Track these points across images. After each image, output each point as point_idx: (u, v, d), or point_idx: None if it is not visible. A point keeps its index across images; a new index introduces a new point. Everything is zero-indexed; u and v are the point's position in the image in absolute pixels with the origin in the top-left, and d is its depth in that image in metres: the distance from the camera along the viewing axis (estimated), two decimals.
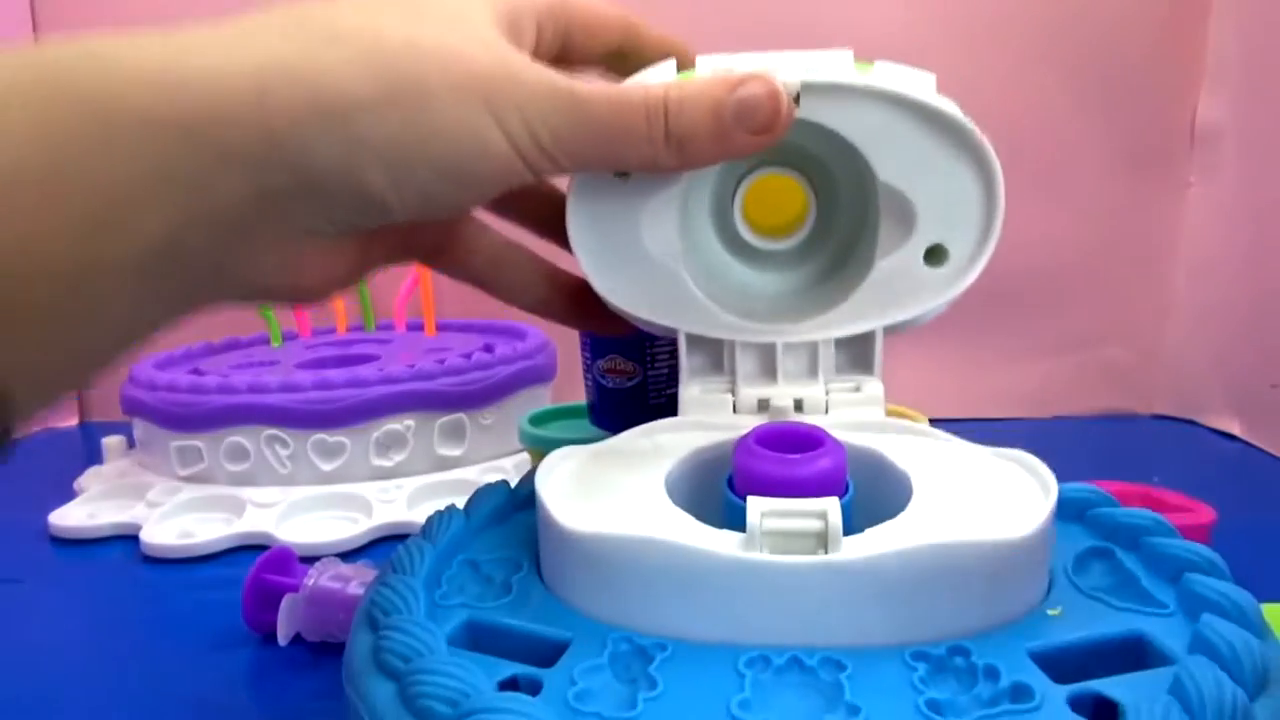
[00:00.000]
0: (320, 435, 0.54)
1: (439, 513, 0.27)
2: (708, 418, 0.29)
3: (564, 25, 0.27)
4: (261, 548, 0.43)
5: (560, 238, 0.31)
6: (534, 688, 0.20)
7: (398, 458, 0.56)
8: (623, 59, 0.29)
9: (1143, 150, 0.71)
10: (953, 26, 0.69)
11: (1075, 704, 0.19)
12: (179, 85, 0.20)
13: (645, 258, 0.29)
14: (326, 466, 0.54)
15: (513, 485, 0.29)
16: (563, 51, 0.28)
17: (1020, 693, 0.19)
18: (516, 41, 0.25)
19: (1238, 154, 0.67)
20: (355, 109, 0.21)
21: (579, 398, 0.50)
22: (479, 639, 0.22)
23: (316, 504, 0.53)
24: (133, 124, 0.19)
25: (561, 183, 0.30)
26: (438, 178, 0.23)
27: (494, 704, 0.18)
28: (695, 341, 0.30)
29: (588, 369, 0.47)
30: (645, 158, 0.25)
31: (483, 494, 0.28)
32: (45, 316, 0.19)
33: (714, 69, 0.27)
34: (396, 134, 0.22)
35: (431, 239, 0.29)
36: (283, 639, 0.37)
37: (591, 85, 0.24)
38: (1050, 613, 0.22)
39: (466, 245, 0.30)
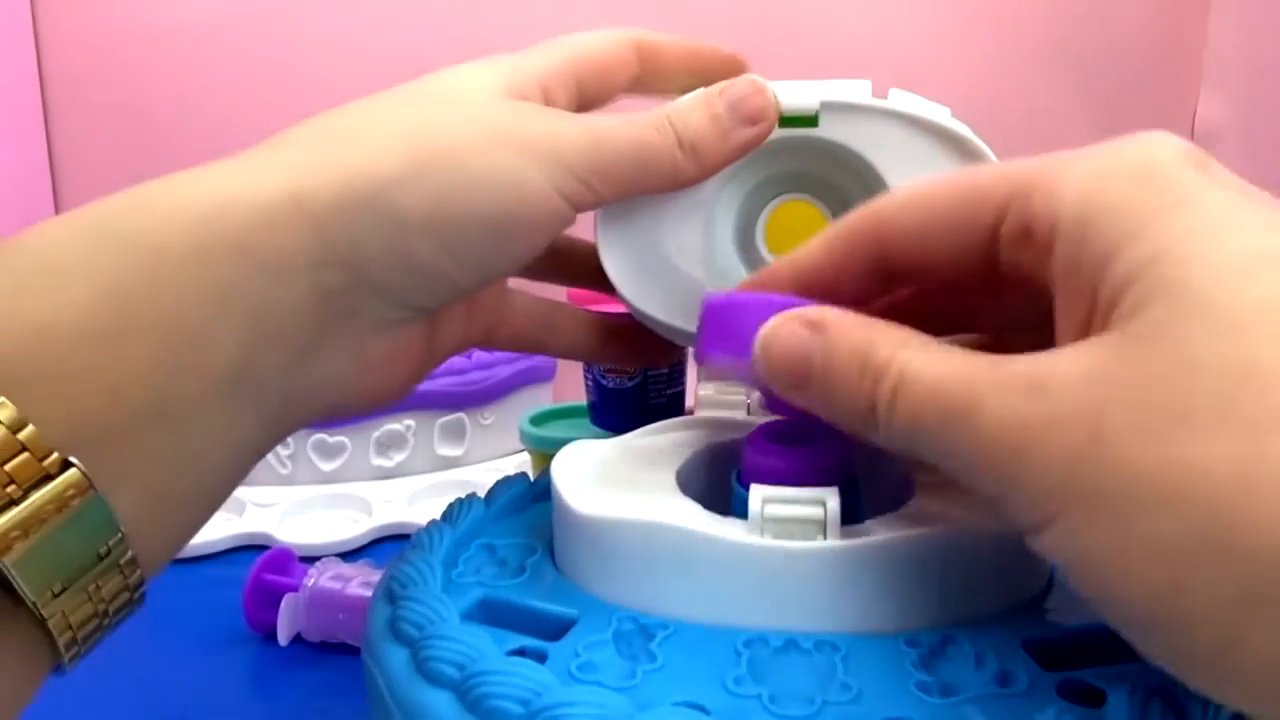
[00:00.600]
0: (320, 435, 0.54)
1: (459, 499, 0.28)
2: (722, 417, 0.30)
3: (573, 82, 0.27)
4: (261, 548, 0.43)
5: (592, 283, 0.32)
6: (540, 658, 0.21)
7: (398, 457, 0.56)
8: (643, 83, 0.30)
9: None
10: (952, 30, 0.70)
11: (1063, 691, 0.19)
12: (217, 207, 0.20)
13: (670, 267, 0.30)
14: (326, 466, 0.54)
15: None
16: (581, 104, 0.28)
17: (1009, 678, 0.19)
18: None
19: (1237, 154, 0.67)
20: (389, 187, 0.22)
21: (579, 398, 0.50)
22: (491, 615, 0.23)
23: (316, 504, 0.53)
24: (182, 254, 0.20)
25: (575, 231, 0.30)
26: (487, 234, 0.23)
27: (500, 667, 0.19)
28: None
29: (588, 369, 0.47)
30: (669, 172, 0.26)
31: (503, 484, 0.30)
32: (148, 467, 0.19)
33: None
34: (435, 200, 0.22)
35: (487, 319, 0.30)
36: (283, 639, 0.37)
37: (604, 118, 0.25)
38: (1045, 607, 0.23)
39: (518, 317, 0.31)
